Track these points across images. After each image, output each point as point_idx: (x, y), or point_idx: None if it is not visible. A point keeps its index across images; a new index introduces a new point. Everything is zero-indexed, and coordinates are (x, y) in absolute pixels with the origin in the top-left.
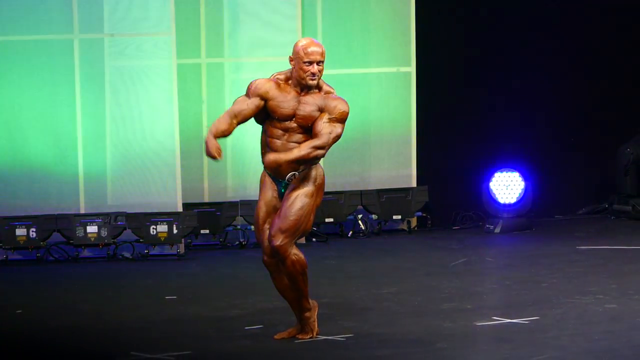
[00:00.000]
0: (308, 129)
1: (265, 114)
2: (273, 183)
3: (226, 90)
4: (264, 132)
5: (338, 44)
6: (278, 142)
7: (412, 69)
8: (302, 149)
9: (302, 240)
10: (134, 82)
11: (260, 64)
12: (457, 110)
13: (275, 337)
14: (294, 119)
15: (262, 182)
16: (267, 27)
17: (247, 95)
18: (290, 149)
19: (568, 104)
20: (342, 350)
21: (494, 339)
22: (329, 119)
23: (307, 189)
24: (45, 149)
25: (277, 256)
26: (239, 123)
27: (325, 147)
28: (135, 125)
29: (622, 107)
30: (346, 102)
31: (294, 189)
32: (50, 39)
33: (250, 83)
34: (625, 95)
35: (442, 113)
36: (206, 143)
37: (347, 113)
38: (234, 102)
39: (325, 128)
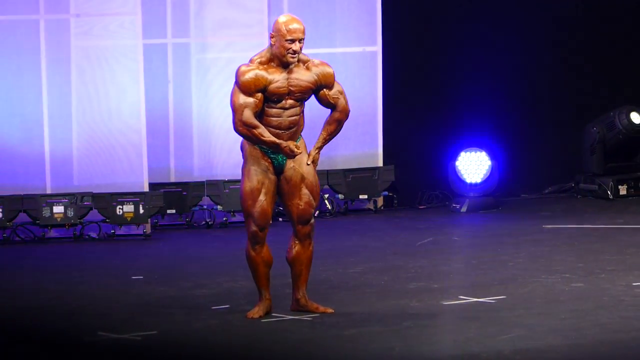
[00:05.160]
0: (302, 99)
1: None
2: (264, 156)
3: (192, 70)
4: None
5: (304, 23)
6: (278, 120)
7: (378, 48)
8: (334, 125)
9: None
10: (100, 62)
11: (226, 44)
12: (423, 90)
13: (248, 315)
14: (289, 95)
15: (248, 153)
16: (234, 6)
17: (244, 90)
18: (291, 123)
19: (535, 83)
20: (309, 329)
21: (461, 318)
22: (329, 89)
23: (308, 160)
24: (11, 130)
25: (308, 237)
26: None
27: (347, 104)
28: (101, 105)
29: (588, 86)
30: (326, 63)
31: (300, 161)
32: (16, 20)
33: (242, 76)
34: (592, 75)
35: (408, 93)
36: (282, 149)
37: (333, 70)
38: (238, 99)
39: (334, 96)
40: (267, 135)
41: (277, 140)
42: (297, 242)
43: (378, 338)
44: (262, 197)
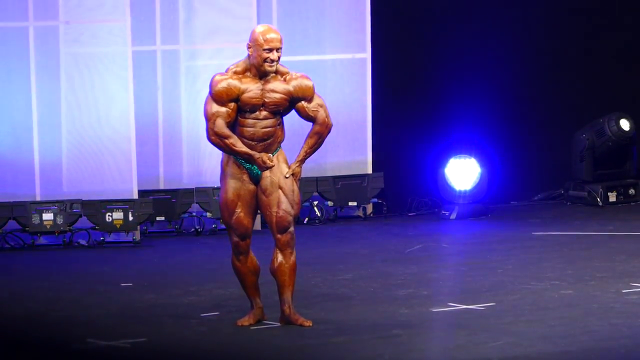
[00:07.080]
0: (277, 113)
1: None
2: (240, 167)
3: (181, 77)
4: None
5: (293, 30)
6: (251, 130)
7: (367, 55)
8: (314, 138)
9: (258, 227)
10: (89, 69)
11: (215, 51)
12: (412, 97)
13: (238, 323)
14: (263, 107)
15: (226, 165)
16: (223, 13)
17: (217, 100)
18: (265, 135)
19: (523, 90)
20: (298, 337)
21: (450, 325)
22: (308, 102)
23: (287, 173)
24: (0, 137)
25: (288, 246)
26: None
27: (327, 117)
28: (90, 112)
29: (577, 93)
30: (306, 76)
31: (278, 172)
32: (5, 26)
33: (215, 86)
34: (581, 82)
35: (398, 99)
36: (255, 160)
37: (313, 83)
38: (210, 108)
39: (314, 109)
40: (240, 146)
41: (250, 152)
42: (278, 252)
43: (367, 345)
44: (238, 210)
